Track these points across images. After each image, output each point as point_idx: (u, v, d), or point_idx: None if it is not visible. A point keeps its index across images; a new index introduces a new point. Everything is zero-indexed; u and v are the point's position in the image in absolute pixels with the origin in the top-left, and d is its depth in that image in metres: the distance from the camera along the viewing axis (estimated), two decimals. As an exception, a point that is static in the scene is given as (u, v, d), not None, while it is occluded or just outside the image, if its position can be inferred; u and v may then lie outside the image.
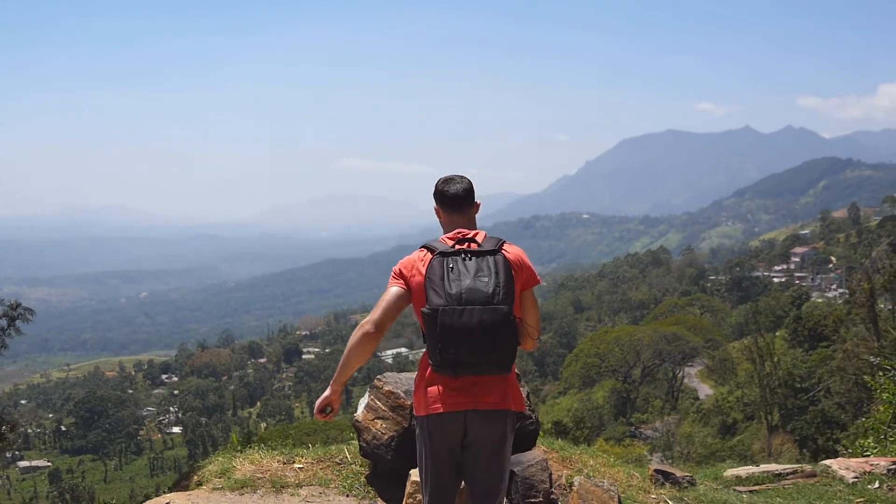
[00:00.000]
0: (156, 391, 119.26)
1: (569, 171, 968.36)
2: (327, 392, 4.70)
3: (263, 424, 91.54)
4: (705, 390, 63.94)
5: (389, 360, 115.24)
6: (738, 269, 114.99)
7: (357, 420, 7.42)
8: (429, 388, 4.37)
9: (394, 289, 4.50)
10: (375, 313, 4.45)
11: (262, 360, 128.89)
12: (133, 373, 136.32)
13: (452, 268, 4.23)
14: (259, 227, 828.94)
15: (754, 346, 45.14)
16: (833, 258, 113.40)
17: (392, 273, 4.57)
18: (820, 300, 79.64)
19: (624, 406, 60.89)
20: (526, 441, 7.26)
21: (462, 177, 4.71)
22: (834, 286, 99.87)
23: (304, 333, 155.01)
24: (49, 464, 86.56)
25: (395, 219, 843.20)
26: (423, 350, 4.40)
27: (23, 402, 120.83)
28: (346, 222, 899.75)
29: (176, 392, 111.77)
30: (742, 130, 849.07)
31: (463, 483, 4.64)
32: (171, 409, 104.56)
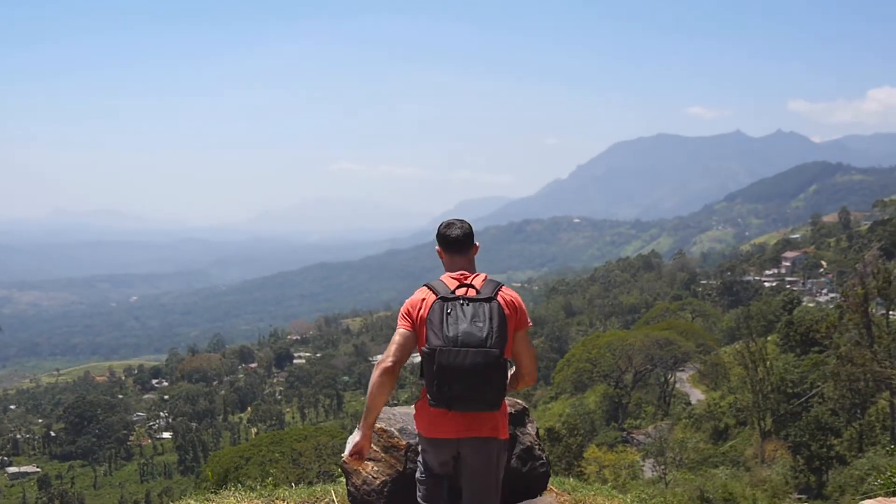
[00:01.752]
0: (146, 396, 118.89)
1: (560, 174, 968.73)
2: (357, 437, 5.06)
3: (254, 430, 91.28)
4: (697, 395, 63.83)
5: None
6: (729, 273, 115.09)
7: (344, 461, 6.60)
8: (424, 415, 4.93)
9: (402, 331, 4.90)
10: (390, 353, 4.86)
11: (253, 365, 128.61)
12: (123, 377, 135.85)
13: (451, 312, 4.71)
14: (250, 231, 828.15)
15: (746, 352, 45.01)
16: (824, 262, 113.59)
17: (400, 313, 4.94)
18: (811, 305, 79.69)
19: (616, 411, 60.73)
20: (537, 484, 6.84)
21: (462, 221, 5.18)
22: (825, 290, 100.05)
23: (295, 338, 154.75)
24: (38, 469, 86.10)
25: (386, 223, 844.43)
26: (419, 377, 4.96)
27: (12, 407, 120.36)
28: (338, 226, 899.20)
29: (166, 397, 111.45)
30: (733, 135, 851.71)
31: None
32: (162, 414, 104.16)
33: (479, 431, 4.81)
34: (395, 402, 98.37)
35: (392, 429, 6.55)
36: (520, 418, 6.88)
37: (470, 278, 4.96)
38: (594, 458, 37.83)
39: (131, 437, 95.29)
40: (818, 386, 42.58)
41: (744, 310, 79.61)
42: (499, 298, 4.80)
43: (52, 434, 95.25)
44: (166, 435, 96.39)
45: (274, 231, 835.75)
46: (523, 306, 4.96)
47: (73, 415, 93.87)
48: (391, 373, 4.83)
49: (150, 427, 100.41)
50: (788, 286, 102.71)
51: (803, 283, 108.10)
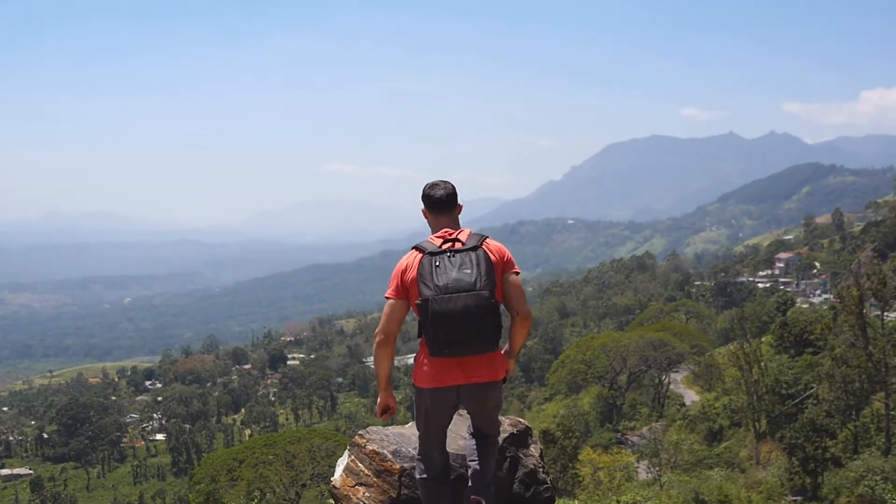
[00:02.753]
0: (139, 398, 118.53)
1: (554, 176, 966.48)
2: (380, 398, 5.47)
3: (248, 431, 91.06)
4: (691, 396, 63.79)
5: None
6: (722, 274, 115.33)
7: (334, 486, 6.35)
8: (425, 366, 5.20)
9: (390, 301, 5.27)
10: (380, 327, 5.28)
11: (247, 367, 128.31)
12: (116, 379, 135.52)
13: (438, 265, 4.98)
14: (244, 233, 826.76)
15: (741, 353, 44.95)
16: (817, 264, 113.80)
17: (391, 278, 5.27)
18: (805, 306, 79.71)
19: (610, 412, 60.68)
20: None
21: (446, 182, 5.45)
22: (818, 291, 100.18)
23: (288, 339, 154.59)
24: (31, 471, 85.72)
25: (380, 224, 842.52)
26: (417, 342, 5.26)
27: (4, 408, 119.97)
28: (331, 227, 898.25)
29: (159, 399, 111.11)
30: (726, 136, 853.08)
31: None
32: (155, 415, 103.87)
33: (479, 377, 5.16)
34: (395, 386, 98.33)
35: (385, 451, 6.19)
36: (522, 439, 6.58)
37: (454, 234, 5.25)
38: (589, 460, 37.74)
39: (124, 439, 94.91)
40: (812, 387, 42.54)
41: (738, 311, 79.57)
42: (483, 246, 5.12)
43: (45, 436, 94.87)
44: (160, 437, 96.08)
45: (267, 232, 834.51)
46: (509, 254, 5.25)
47: (66, 416, 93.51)
48: (385, 345, 5.28)
49: (144, 429, 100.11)
50: (782, 287, 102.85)
51: (797, 284, 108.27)
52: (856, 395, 37.76)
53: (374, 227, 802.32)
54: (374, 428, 6.47)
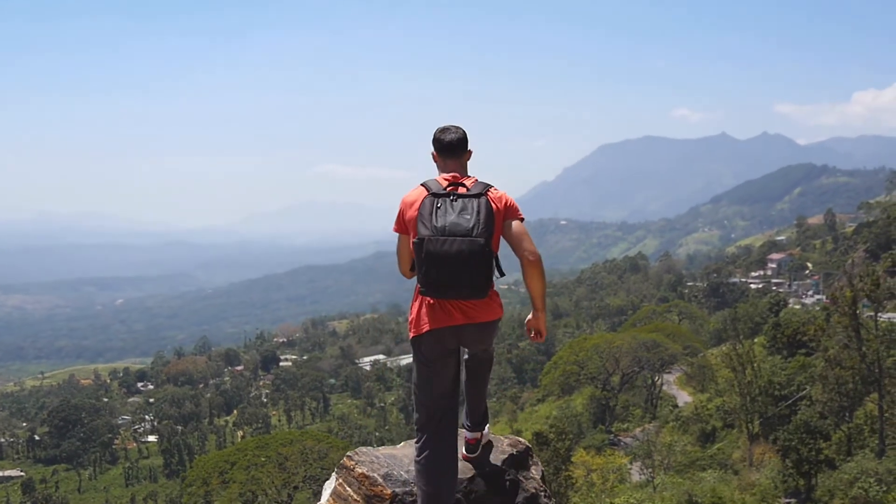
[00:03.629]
0: (131, 399, 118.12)
1: (547, 176, 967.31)
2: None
3: (240, 433, 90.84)
4: (684, 397, 63.78)
5: (367, 367, 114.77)
6: (715, 275, 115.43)
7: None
8: (423, 311, 5.18)
9: (398, 236, 5.40)
10: (398, 266, 5.48)
11: (239, 368, 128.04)
12: (108, 381, 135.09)
13: (440, 206, 5.00)
14: (237, 234, 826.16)
15: (734, 354, 44.90)
16: (809, 264, 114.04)
17: (397, 214, 5.34)
18: (797, 306, 79.79)
19: (603, 413, 60.63)
20: None
21: (457, 127, 5.45)
22: (811, 292, 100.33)
23: (281, 341, 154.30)
24: (22, 473, 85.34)
25: (373, 225, 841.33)
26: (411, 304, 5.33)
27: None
28: (325, 229, 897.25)
29: (152, 400, 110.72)
30: (718, 137, 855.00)
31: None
32: (147, 417, 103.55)
33: (477, 317, 5.19)
34: (382, 404, 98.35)
35: (375, 475, 5.70)
36: (522, 461, 6.16)
37: (461, 179, 5.27)
38: (582, 462, 37.66)
39: (116, 441, 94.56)
40: (805, 388, 42.52)
41: (730, 312, 79.68)
42: (487, 195, 5.12)
43: (37, 438, 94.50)
44: (151, 438, 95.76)
45: (261, 234, 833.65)
46: (514, 203, 5.25)
47: (58, 418, 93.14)
48: (410, 275, 5.42)
49: (136, 430, 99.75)
50: (774, 288, 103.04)
51: (789, 285, 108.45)
52: (849, 397, 37.75)
53: (367, 228, 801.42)
54: (363, 449, 5.96)
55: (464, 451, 5.78)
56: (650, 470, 39.50)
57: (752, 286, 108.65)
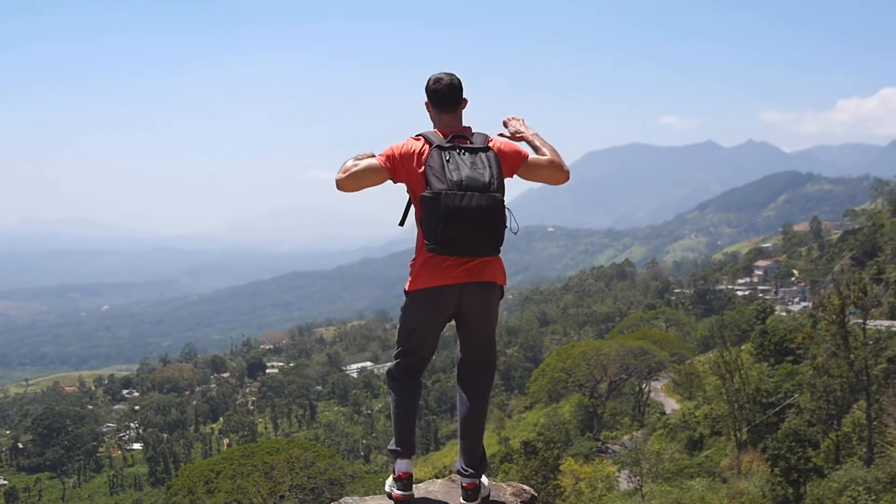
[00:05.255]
0: (116, 407, 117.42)
1: (533, 184, 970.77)
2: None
3: (226, 440, 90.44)
4: (672, 405, 63.86)
5: (354, 374, 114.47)
6: (702, 282, 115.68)
7: None
8: (427, 266, 4.90)
9: (375, 161, 4.92)
10: (347, 178, 4.92)
11: (226, 375, 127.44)
12: (93, 388, 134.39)
13: (449, 159, 4.72)
14: (223, 240, 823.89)
15: (721, 361, 44.91)
16: (795, 271, 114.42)
17: (389, 151, 4.95)
18: (783, 313, 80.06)
19: (591, 421, 60.57)
20: None
21: (452, 75, 5.09)
22: (797, 299, 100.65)
23: (267, 347, 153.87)
24: (5, 482, 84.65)
25: (360, 231, 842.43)
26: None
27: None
28: (311, 235, 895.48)
29: (137, 407, 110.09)
30: (704, 144, 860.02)
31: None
32: (132, 425, 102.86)
33: (481, 276, 4.94)
34: (369, 412, 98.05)
35: None
36: None
37: (461, 131, 5.02)
38: (570, 471, 37.51)
39: (101, 449, 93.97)
40: (793, 395, 42.54)
41: (717, 319, 79.92)
42: (492, 146, 4.94)
43: (20, 446, 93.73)
44: (137, 446, 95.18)
45: (247, 240, 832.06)
46: (514, 145, 5.13)
47: (42, 426, 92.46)
48: (351, 187, 4.95)
49: (121, 438, 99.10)
50: (761, 295, 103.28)
51: (775, 292, 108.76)
52: (837, 405, 37.76)
53: (353, 234, 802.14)
54: (349, 500, 5.34)
55: (461, 500, 5.16)
56: (638, 478, 39.39)
57: (739, 293, 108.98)
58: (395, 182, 4.99)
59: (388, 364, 5.42)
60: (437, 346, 5.37)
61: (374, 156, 4.96)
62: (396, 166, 4.93)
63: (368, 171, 4.92)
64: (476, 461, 5.20)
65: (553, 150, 5.20)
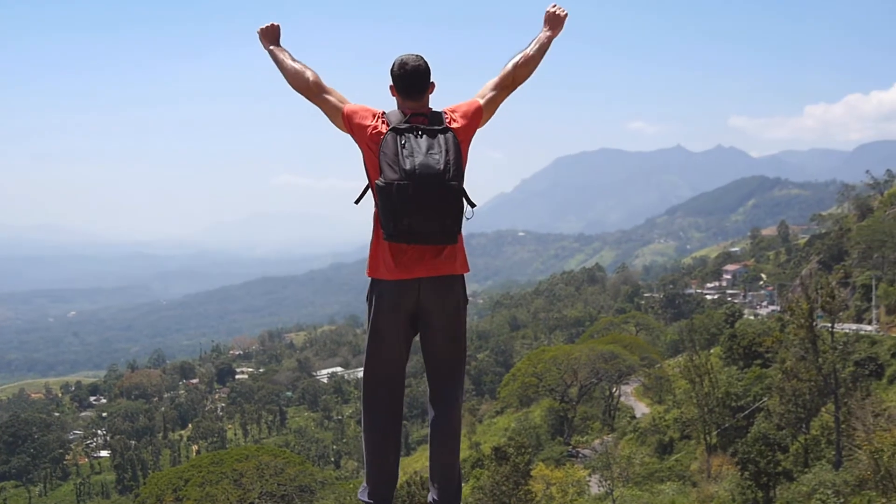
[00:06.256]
0: (83, 413, 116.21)
1: (504, 188, 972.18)
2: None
3: (195, 447, 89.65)
4: (642, 409, 64.11)
5: (325, 380, 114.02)
6: (671, 286, 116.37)
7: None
8: (387, 257, 4.69)
9: (336, 102, 4.91)
10: (314, 97, 5.00)
11: (195, 381, 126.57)
12: (60, 395, 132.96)
13: (405, 144, 4.47)
14: (194, 245, 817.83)
15: (692, 365, 45.11)
16: (764, 275, 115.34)
17: (352, 109, 4.83)
18: (752, 317, 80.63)
19: (561, 425, 60.67)
20: None
21: (418, 57, 4.79)
22: (765, 303, 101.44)
23: (237, 353, 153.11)
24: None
25: (331, 236, 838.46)
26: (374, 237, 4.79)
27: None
28: (283, 240, 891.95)
29: (104, 414, 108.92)
30: (674, 149, 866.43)
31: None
32: (100, 432, 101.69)
33: (440, 270, 4.72)
34: (340, 417, 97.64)
35: None
36: None
37: (420, 110, 4.76)
38: (541, 476, 37.47)
39: (67, 457, 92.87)
40: (762, 399, 42.79)
41: (687, 323, 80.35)
42: (449, 125, 4.69)
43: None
44: (104, 453, 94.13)
45: (218, 245, 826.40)
46: (466, 104, 4.91)
47: (7, 434, 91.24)
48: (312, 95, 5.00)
49: (88, 445, 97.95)
50: (730, 299, 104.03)
51: (744, 296, 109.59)
52: (806, 408, 38.01)
53: (325, 239, 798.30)
54: None
55: None
56: (609, 482, 39.42)
57: (708, 297, 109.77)
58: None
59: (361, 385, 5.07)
60: (408, 356, 5.02)
61: (344, 103, 4.90)
62: (353, 129, 4.78)
63: (330, 107, 4.91)
64: (450, 496, 4.97)
65: (525, 57, 5.12)
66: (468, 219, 4.62)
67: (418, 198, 4.38)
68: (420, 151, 4.46)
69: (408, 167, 4.40)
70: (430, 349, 4.93)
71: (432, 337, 4.87)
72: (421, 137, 4.53)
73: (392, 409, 4.96)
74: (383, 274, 4.73)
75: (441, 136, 4.55)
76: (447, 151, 4.49)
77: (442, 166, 4.44)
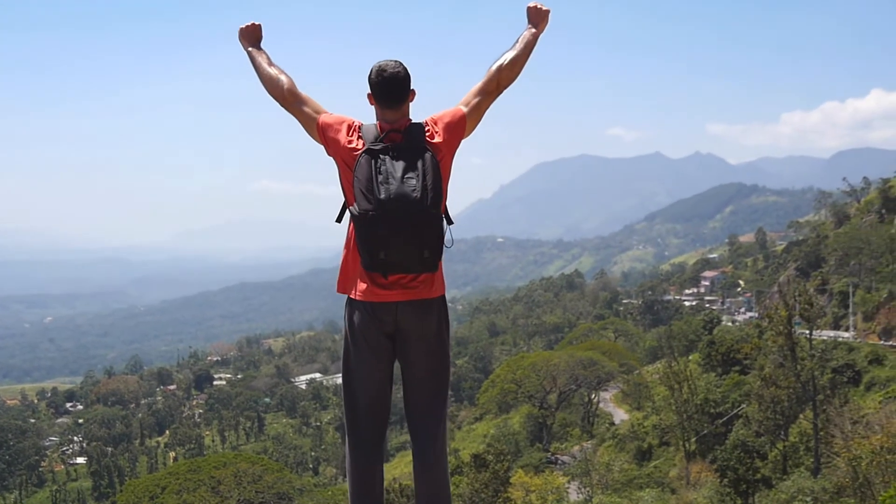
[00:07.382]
0: (59, 420, 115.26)
1: (483, 194, 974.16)
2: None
3: (172, 454, 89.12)
4: (620, 415, 64.21)
5: (303, 386, 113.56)
6: (650, 292, 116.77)
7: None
8: (361, 279, 4.40)
9: (311, 112, 4.60)
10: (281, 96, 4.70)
11: (172, 387, 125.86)
12: (36, 401, 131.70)
13: (380, 168, 4.16)
14: (171, 251, 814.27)
15: (670, 372, 45.22)
16: (741, 282, 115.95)
17: (331, 121, 4.52)
18: (730, 324, 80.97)
19: (540, 432, 60.67)
20: None
21: (398, 63, 4.42)
22: (743, 309, 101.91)
23: (215, 359, 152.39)
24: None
25: (309, 242, 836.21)
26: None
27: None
28: (261, 246, 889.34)
29: (81, 421, 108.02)
30: (652, 156, 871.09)
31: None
32: (76, 438, 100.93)
33: (418, 294, 4.37)
34: (318, 424, 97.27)
35: None
36: None
37: (397, 125, 4.40)
38: (521, 483, 37.40)
39: (43, 463, 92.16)
40: (741, 405, 42.93)
41: (665, 329, 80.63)
42: (428, 144, 4.33)
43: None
44: (80, 460, 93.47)
45: (195, 251, 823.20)
46: (449, 113, 4.55)
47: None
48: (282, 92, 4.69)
49: (64, 452, 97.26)
50: (708, 305, 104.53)
51: (722, 303, 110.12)
52: (784, 415, 38.15)
53: (303, 245, 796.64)
54: None
55: None
56: (588, 489, 39.44)
57: (686, 303, 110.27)
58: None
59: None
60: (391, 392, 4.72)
61: (319, 113, 4.59)
62: (327, 142, 4.48)
63: (305, 117, 4.60)
64: None
65: (509, 59, 4.74)
66: (448, 247, 4.38)
67: (394, 228, 4.10)
68: (395, 178, 4.14)
69: (382, 196, 4.11)
70: (408, 379, 4.61)
71: (411, 366, 4.57)
72: (397, 160, 4.20)
73: (374, 437, 4.69)
74: (356, 294, 4.45)
75: (419, 159, 4.23)
76: (425, 175, 4.18)
77: (419, 193, 4.12)
